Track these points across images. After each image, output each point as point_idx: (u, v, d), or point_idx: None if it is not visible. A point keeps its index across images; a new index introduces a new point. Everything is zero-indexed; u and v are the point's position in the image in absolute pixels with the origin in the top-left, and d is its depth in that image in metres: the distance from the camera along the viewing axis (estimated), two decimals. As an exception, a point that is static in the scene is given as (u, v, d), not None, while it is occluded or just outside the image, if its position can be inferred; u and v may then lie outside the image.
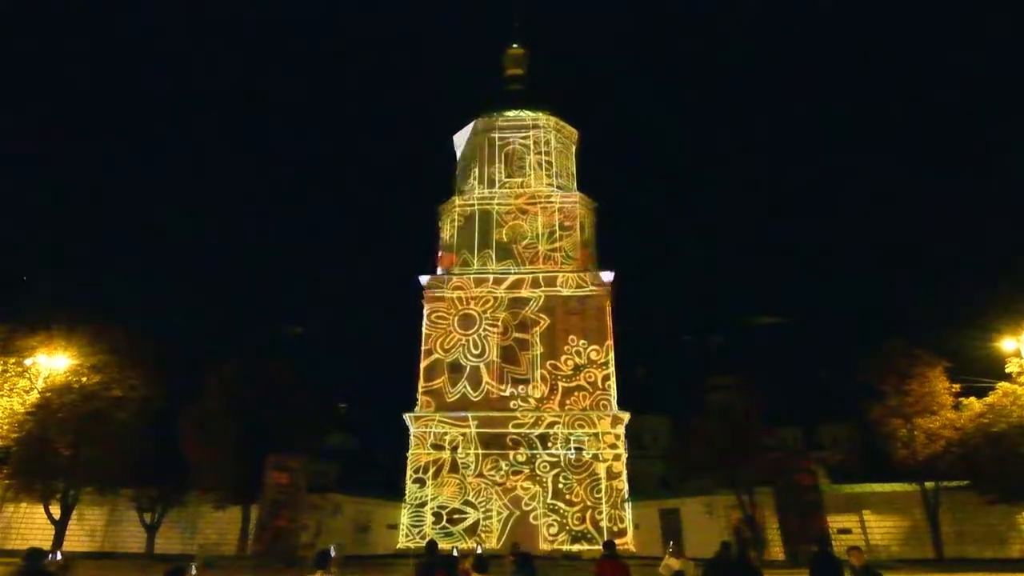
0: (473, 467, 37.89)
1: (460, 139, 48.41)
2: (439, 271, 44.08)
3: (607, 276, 42.29)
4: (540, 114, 47.77)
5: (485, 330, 41.60)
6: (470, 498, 36.80)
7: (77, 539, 31.29)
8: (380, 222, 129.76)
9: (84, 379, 29.53)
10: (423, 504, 36.87)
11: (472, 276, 42.99)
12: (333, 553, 8.40)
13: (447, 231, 45.46)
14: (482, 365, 40.89)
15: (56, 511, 29.37)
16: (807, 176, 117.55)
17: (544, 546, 35.33)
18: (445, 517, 35.84)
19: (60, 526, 29.33)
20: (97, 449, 28.20)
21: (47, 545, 29.27)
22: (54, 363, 29.51)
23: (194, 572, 4.85)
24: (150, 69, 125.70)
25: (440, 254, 44.97)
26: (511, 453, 38.13)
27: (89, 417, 28.48)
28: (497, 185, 45.95)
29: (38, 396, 28.91)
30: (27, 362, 29.59)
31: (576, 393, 39.47)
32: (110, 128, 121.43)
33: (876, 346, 30.96)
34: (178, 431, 30.05)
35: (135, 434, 29.60)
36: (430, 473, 37.84)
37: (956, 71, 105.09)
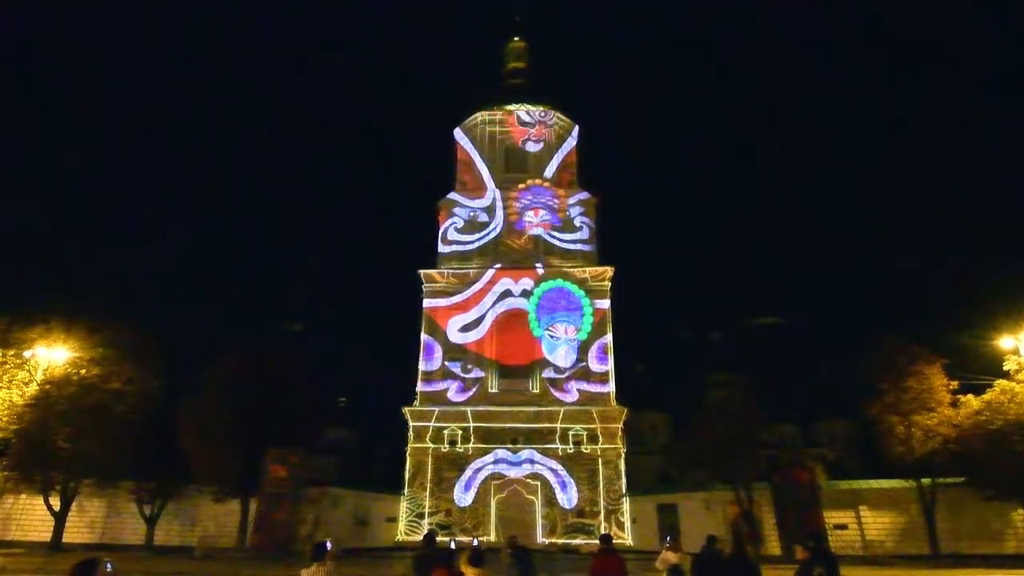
0: (472, 462, 38.01)
1: (461, 133, 48.25)
2: (439, 266, 44.00)
3: (607, 271, 42.27)
4: (541, 107, 47.60)
5: (485, 324, 41.60)
6: (468, 501, 36.81)
7: (77, 531, 31.40)
8: (380, 216, 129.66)
9: (83, 372, 29.55)
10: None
11: (472, 271, 42.95)
12: (329, 546, 8.42)
13: (446, 227, 45.35)
14: (481, 359, 40.93)
15: (56, 503, 29.48)
16: (809, 171, 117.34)
17: (542, 540, 35.50)
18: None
19: (60, 518, 29.46)
20: (96, 441, 28.22)
21: (47, 536, 29.44)
22: (53, 355, 29.51)
23: (109, 569, 4.84)
24: (150, 64, 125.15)
25: (440, 247, 44.83)
26: (510, 447, 38.24)
27: (88, 409, 28.51)
28: (498, 179, 45.85)
29: (37, 388, 28.92)
30: (26, 354, 29.57)
31: (575, 388, 39.53)
32: (113, 123, 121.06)
33: (874, 343, 30.97)
34: (177, 424, 30.11)
35: (134, 427, 29.63)
36: (429, 475, 37.79)
37: (957, 67, 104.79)
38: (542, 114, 47.25)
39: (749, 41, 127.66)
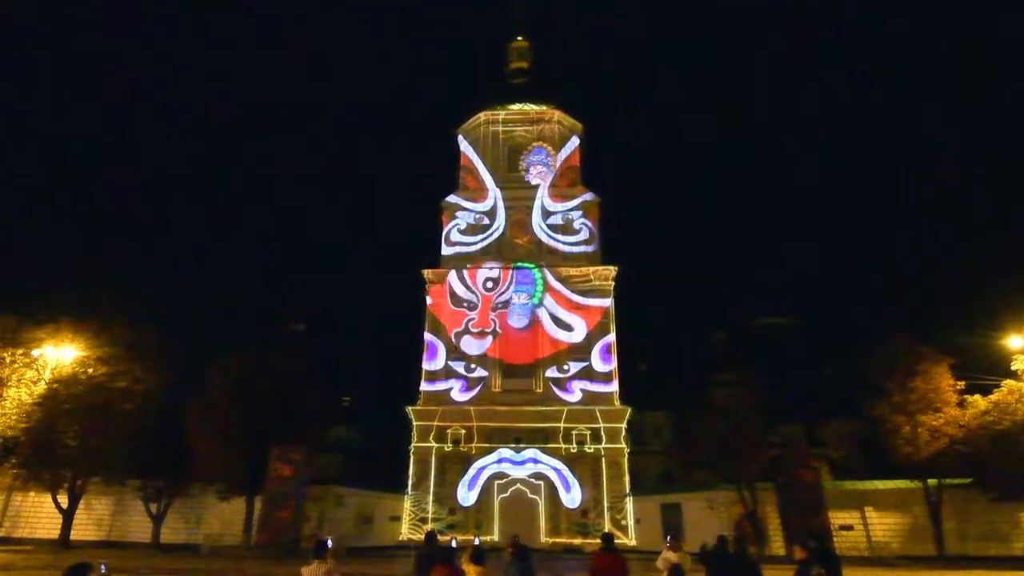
0: (475, 461, 38.04)
1: (462, 137, 48.25)
2: (442, 266, 44.05)
3: (610, 270, 42.20)
4: (544, 107, 47.56)
5: (488, 323, 41.63)
6: (468, 500, 36.78)
7: (84, 528, 31.73)
8: (383, 215, 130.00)
9: (91, 371, 29.87)
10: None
11: (475, 269, 42.98)
12: (330, 544, 8.47)
13: (450, 227, 45.41)
14: (484, 359, 40.96)
15: (64, 500, 29.79)
16: (811, 170, 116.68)
17: (545, 539, 35.50)
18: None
19: (68, 515, 29.75)
20: (103, 440, 28.51)
21: (54, 534, 29.75)
22: (61, 355, 29.84)
23: (103, 571, 4.90)
24: (151, 66, 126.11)
25: (443, 248, 44.88)
26: (513, 447, 38.25)
27: (96, 408, 28.81)
28: (500, 179, 45.84)
29: (45, 387, 29.26)
30: (35, 353, 29.92)
31: (579, 388, 39.49)
32: (115, 123, 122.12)
33: (881, 343, 30.75)
34: (183, 423, 30.34)
35: (141, 425, 29.90)
36: (433, 475, 37.84)
37: (959, 62, 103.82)
38: (545, 113, 47.19)
39: (751, 40, 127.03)
